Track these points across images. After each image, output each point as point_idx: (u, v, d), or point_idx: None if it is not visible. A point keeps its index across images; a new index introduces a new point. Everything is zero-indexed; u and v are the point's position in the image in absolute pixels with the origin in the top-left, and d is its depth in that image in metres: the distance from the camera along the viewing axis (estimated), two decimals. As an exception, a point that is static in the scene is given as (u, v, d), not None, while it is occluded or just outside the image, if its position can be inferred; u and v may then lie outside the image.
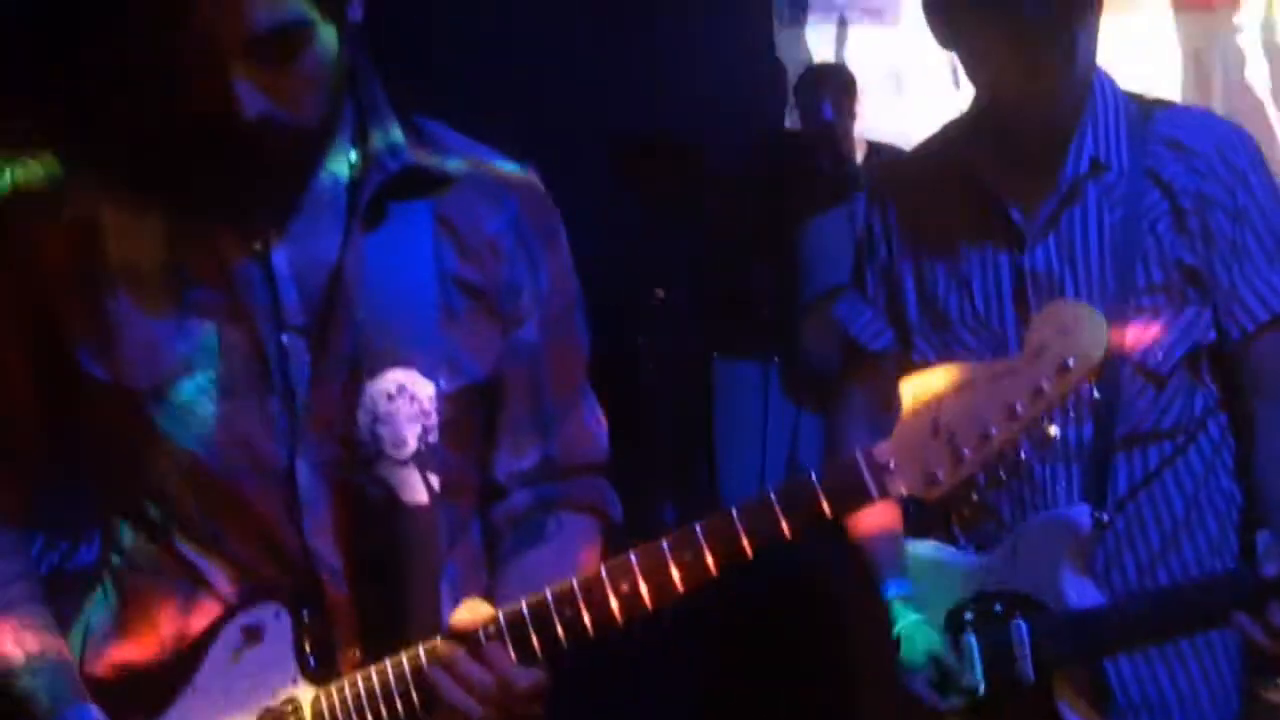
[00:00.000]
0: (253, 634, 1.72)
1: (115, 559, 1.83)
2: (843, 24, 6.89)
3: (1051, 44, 2.14)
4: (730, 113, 6.34)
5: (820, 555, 2.54)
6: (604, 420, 1.97)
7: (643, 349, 5.70)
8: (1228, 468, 2.34)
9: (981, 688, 2.24)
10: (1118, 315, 2.24)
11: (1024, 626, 2.22)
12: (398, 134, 1.78)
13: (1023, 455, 1.60)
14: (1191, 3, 6.63)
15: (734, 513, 1.62)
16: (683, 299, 5.82)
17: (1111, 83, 2.33)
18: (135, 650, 1.78)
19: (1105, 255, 2.27)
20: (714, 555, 1.62)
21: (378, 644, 1.73)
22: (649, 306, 5.84)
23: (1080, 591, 2.23)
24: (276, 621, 1.72)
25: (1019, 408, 1.59)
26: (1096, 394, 2.13)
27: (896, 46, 6.48)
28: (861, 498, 1.63)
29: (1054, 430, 1.64)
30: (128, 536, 1.80)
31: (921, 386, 1.62)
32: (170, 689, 1.73)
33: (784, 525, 1.61)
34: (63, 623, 1.83)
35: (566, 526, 1.89)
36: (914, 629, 2.30)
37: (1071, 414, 2.26)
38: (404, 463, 1.73)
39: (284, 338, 1.71)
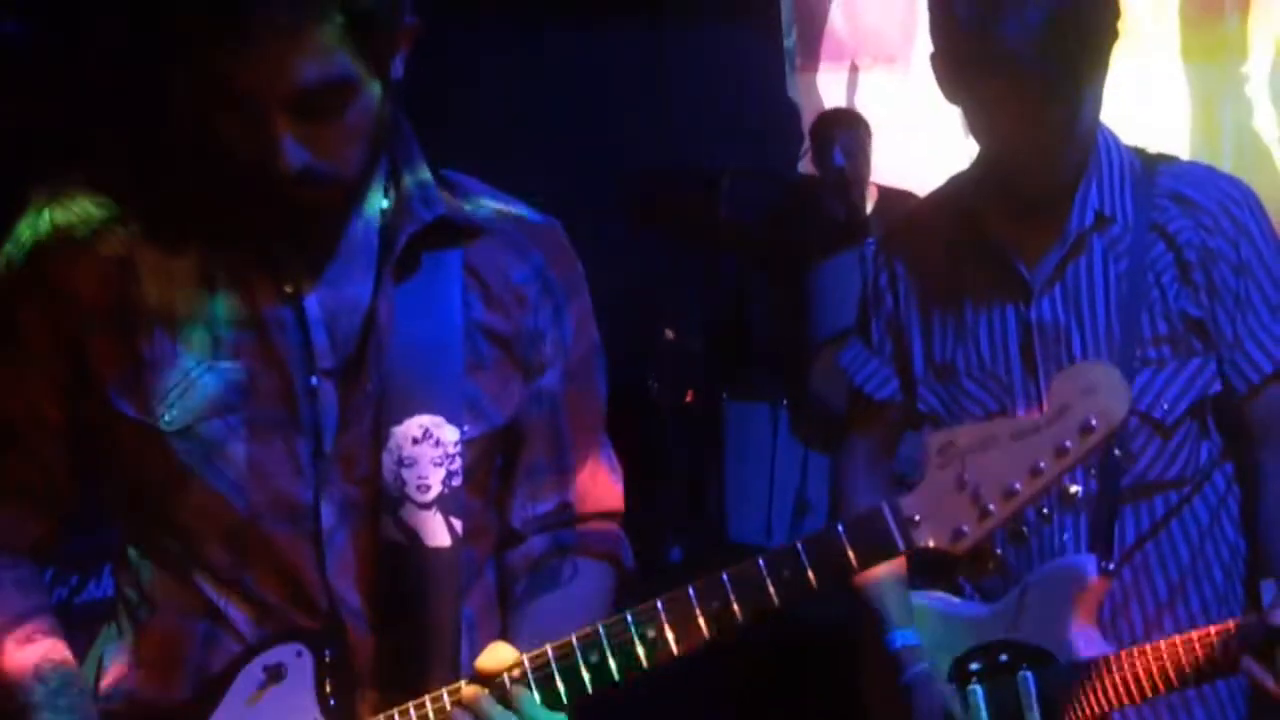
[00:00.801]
0: (275, 673, 1.73)
1: (131, 594, 1.85)
2: (854, 70, 6.94)
3: (1053, 104, 2.17)
4: (743, 157, 6.40)
5: (827, 605, 2.57)
6: (620, 469, 2.00)
7: (653, 389, 5.75)
8: (1233, 518, 2.37)
9: None
10: (1124, 366, 2.27)
11: (1030, 678, 2.24)
12: (431, 184, 1.83)
13: (1045, 510, 1.64)
14: (1200, 52, 6.68)
15: (761, 563, 1.66)
16: (694, 340, 5.87)
17: (1115, 138, 2.36)
18: (151, 687, 1.80)
19: (1111, 307, 2.30)
20: (740, 604, 1.66)
21: (397, 685, 1.75)
22: (660, 347, 5.90)
23: (1087, 641, 2.25)
24: (298, 661, 1.74)
25: (1043, 465, 1.64)
26: (1117, 450, 2.15)
27: (908, 93, 6.53)
28: (888, 550, 1.67)
29: (1075, 488, 1.68)
30: (146, 573, 1.82)
31: (947, 443, 1.66)
32: None
33: (811, 576, 1.65)
34: (72, 650, 1.86)
35: (582, 573, 1.92)
36: (921, 679, 2.32)
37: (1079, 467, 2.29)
38: (427, 506, 1.76)
39: (314, 380, 1.75)
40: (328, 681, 1.74)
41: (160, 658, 1.80)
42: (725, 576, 1.67)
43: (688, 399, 5.76)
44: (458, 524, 1.78)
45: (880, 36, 6.93)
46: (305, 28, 1.58)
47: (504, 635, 1.86)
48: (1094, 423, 1.64)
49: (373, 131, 1.71)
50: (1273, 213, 7.24)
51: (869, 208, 6.00)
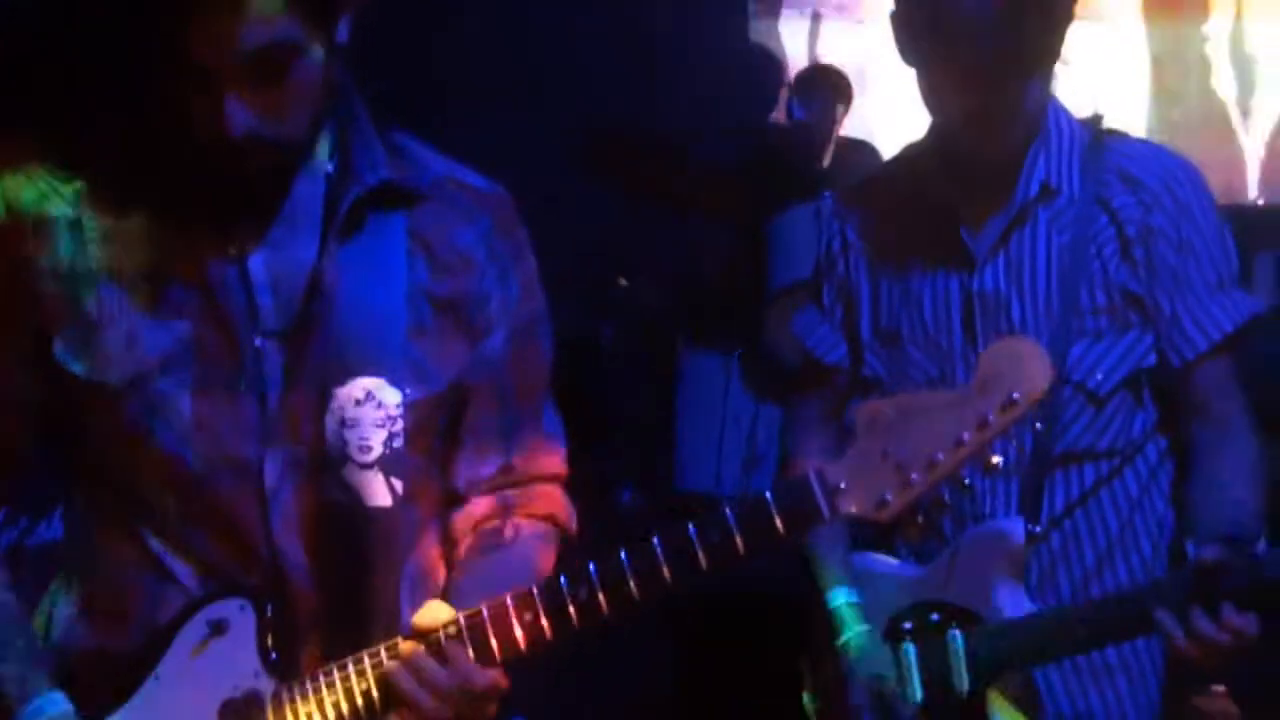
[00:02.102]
0: (218, 627, 1.77)
1: (80, 547, 1.88)
2: (816, 18, 6.95)
3: (1006, 75, 2.21)
4: (701, 104, 6.39)
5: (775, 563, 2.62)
6: (563, 431, 2.03)
7: (606, 337, 5.78)
8: (1163, 492, 2.42)
9: (919, 696, 2.32)
10: (1061, 336, 2.32)
11: (959, 636, 2.30)
12: (376, 148, 1.84)
13: (966, 480, 1.70)
14: (1160, 12, 6.71)
15: (690, 528, 1.71)
16: (649, 289, 5.89)
17: (1066, 111, 2.40)
18: (100, 640, 1.83)
19: (1051, 277, 2.34)
20: (670, 569, 1.70)
21: (338, 640, 1.79)
22: (614, 294, 5.92)
23: (1013, 602, 2.31)
24: (241, 615, 1.77)
25: (965, 436, 1.69)
26: (1039, 424, 2.20)
27: (862, 43, 6.55)
28: (814, 518, 1.72)
29: (997, 459, 1.73)
30: (93, 526, 1.85)
31: (875, 412, 1.71)
32: (134, 678, 1.78)
33: (739, 541, 1.70)
34: (22, 597, 1.88)
35: (524, 534, 1.96)
36: (859, 638, 2.38)
37: (1012, 429, 2.34)
38: (368, 466, 1.79)
39: (258, 341, 1.77)
40: (269, 635, 1.77)
41: (108, 610, 1.83)
42: (656, 540, 1.71)
43: (640, 346, 5.79)
44: (399, 484, 1.81)
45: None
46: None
47: (445, 594, 1.90)
48: (1016, 396, 1.69)
49: (317, 94, 1.72)
50: (1230, 172, 7.30)
51: (826, 161, 6.05)
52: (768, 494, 1.71)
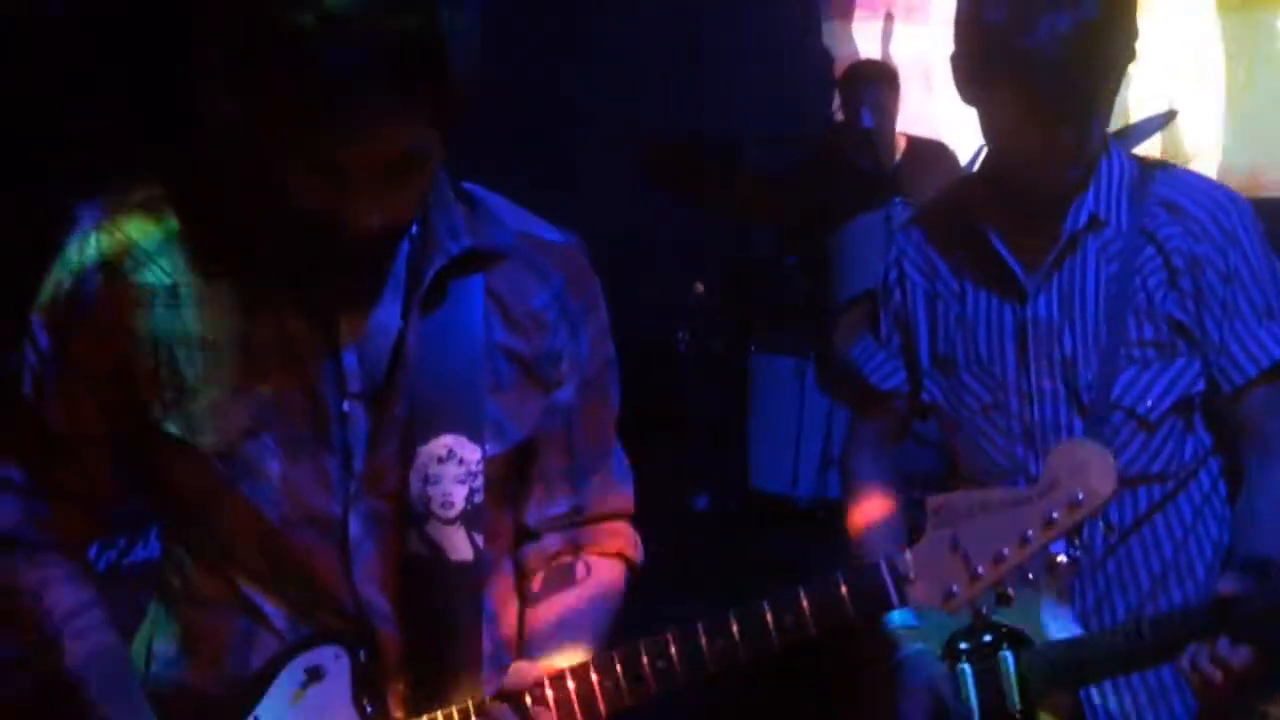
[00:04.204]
0: (314, 674, 1.84)
1: (176, 584, 1.95)
2: (889, 19, 6.98)
3: (1072, 114, 2.26)
4: (775, 107, 6.44)
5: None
6: (630, 470, 2.10)
7: (681, 342, 5.86)
8: (1218, 515, 2.47)
9: (977, 715, 2.39)
10: (1110, 362, 2.38)
11: (1010, 657, 2.36)
12: (455, 210, 1.90)
13: (1030, 576, 1.80)
14: (1234, 4, 6.67)
15: (765, 607, 1.79)
16: (723, 294, 5.96)
17: (1118, 148, 2.45)
18: (196, 679, 1.90)
19: (1100, 306, 2.39)
20: (744, 645, 1.79)
21: (423, 689, 1.87)
22: (689, 301, 6.00)
23: (1059, 623, 2.37)
24: (336, 664, 1.84)
25: (1030, 534, 1.78)
26: (1102, 527, 2.25)
27: (932, 43, 6.55)
28: (884, 605, 1.81)
29: (1061, 557, 1.82)
30: (188, 568, 1.92)
31: (945, 506, 1.80)
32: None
33: (810, 623, 1.79)
34: (120, 618, 1.97)
35: (595, 571, 2.03)
36: (912, 658, 2.45)
37: None
38: (450, 522, 1.86)
39: (345, 405, 1.83)
40: (363, 683, 1.84)
41: (204, 649, 1.90)
42: (731, 615, 1.79)
43: (717, 351, 5.86)
44: (479, 539, 1.87)
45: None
46: (403, 108, 1.63)
47: (521, 630, 1.99)
48: (1081, 498, 1.78)
49: (430, 186, 1.79)
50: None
51: (897, 159, 6.07)
52: (840, 578, 1.80)
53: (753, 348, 5.64)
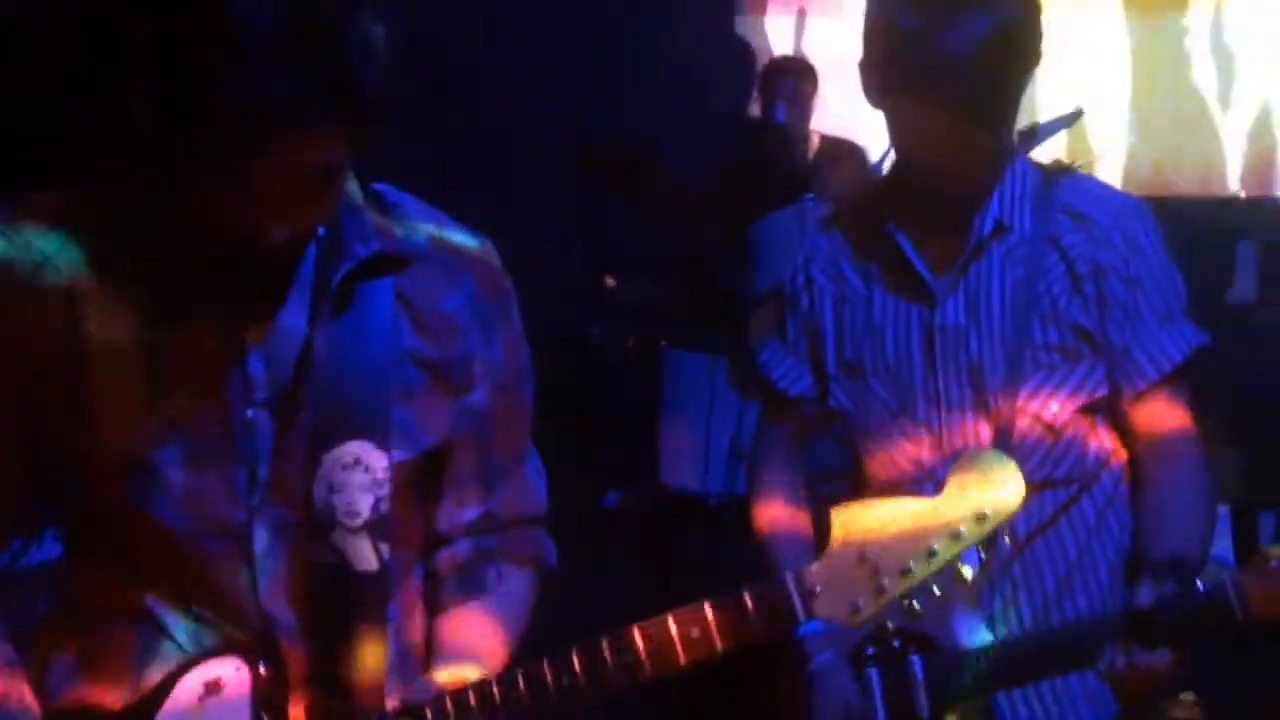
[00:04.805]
0: (213, 687, 1.80)
1: (75, 599, 1.91)
2: (801, 14, 7.00)
3: (981, 120, 2.29)
4: (689, 102, 6.44)
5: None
6: (543, 472, 2.08)
7: (594, 336, 5.84)
8: (1119, 517, 2.49)
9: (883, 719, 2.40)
10: (1016, 368, 2.40)
11: (917, 662, 2.36)
12: (366, 217, 1.87)
13: (937, 591, 1.80)
14: (1140, 4, 6.76)
15: (670, 621, 1.77)
16: (636, 289, 5.95)
17: (1022, 156, 2.47)
18: (93, 691, 1.86)
19: (1006, 311, 2.41)
20: (650, 660, 1.77)
21: (324, 692, 1.83)
22: (602, 294, 5.98)
23: (968, 629, 2.39)
24: (236, 675, 1.81)
25: (937, 548, 1.77)
26: (1006, 539, 2.28)
27: (847, 39, 6.57)
28: (790, 619, 1.79)
29: (969, 570, 1.82)
30: (88, 581, 1.89)
31: (851, 518, 1.78)
32: None
33: (716, 640, 1.78)
34: (15, 621, 1.93)
35: (506, 579, 2.01)
36: (825, 667, 2.46)
37: None
38: (356, 531, 1.83)
39: (250, 413, 1.80)
40: (263, 696, 1.81)
41: (103, 662, 1.86)
42: (635, 631, 1.77)
43: (628, 345, 5.85)
44: (385, 548, 1.85)
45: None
46: (317, 127, 1.62)
47: (430, 638, 1.97)
48: (988, 512, 1.77)
49: (342, 192, 1.78)
50: (1209, 164, 7.35)
51: (811, 155, 6.10)
52: (746, 594, 1.78)
53: (664, 343, 5.64)
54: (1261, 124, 6.60)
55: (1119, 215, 2.41)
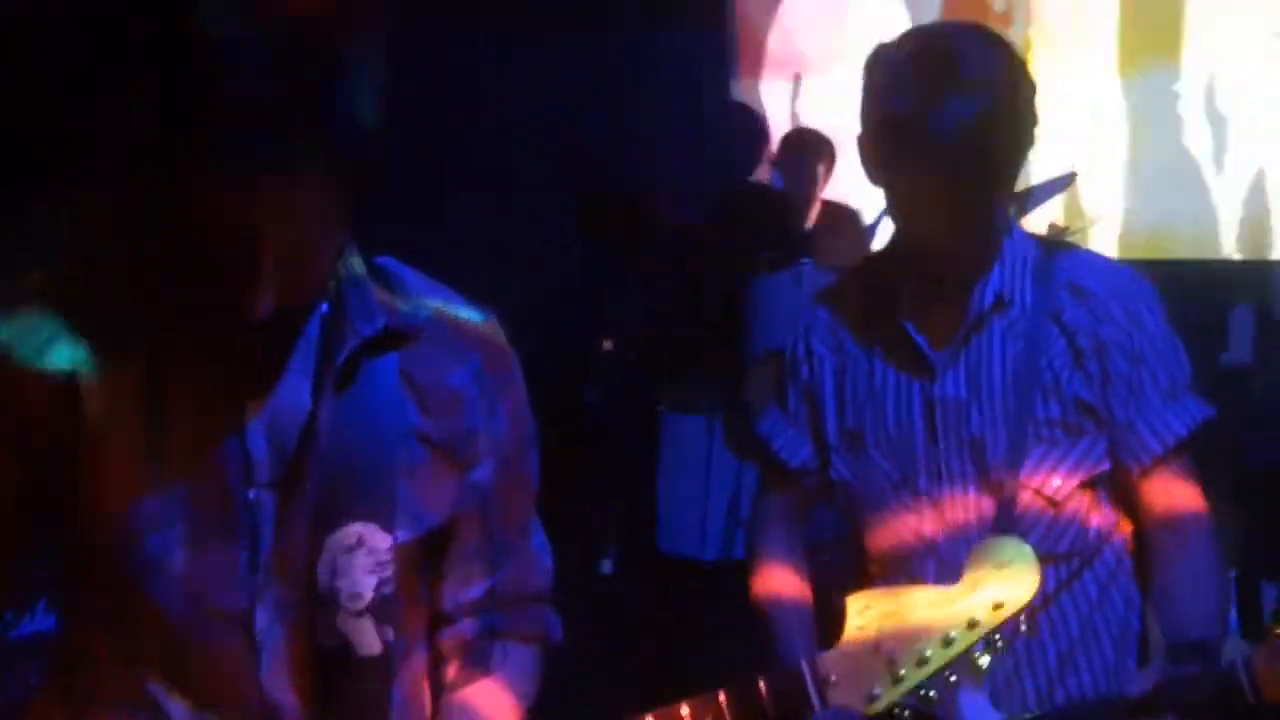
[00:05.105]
0: None
1: (74, 676, 1.87)
2: (797, 79, 7.04)
3: (977, 196, 2.30)
4: (682, 165, 6.47)
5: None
6: (549, 546, 2.05)
7: (589, 400, 5.84)
8: (1122, 591, 2.47)
9: None
10: (1018, 442, 2.38)
11: None
12: (370, 291, 1.84)
13: (953, 679, 1.80)
14: (1134, 69, 6.80)
15: (684, 709, 1.78)
16: (632, 351, 5.96)
17: (1020, 228, 2.47)
18: None
19: (1008, 385, 2.40)
20: None
21: None
22: (597, 357, 5.98)
23: (975, 708, 2.36)
24: None
25: (954, 635, 1.78)
26: (1024, 626, 2.25)
27: (841, 105, 6.61)
28: (805, 708, 1.80)
29: (984, 660, 1.82)
30: (87, 662, 1.85)
31: (866, 606, 1.79)
32: None
33: None
34: (6, 693, 1.90)
35: (512, 657, 1.98)
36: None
37: (974, 533, 2.41)
38: (359, 614, 1.79)
39: (252, 494, 1.77)
40: None
41: None
42: (650, 717, 1.79)
43: (623, 409, 5.85)
44: (389, 631, 1.81)
45: (814, 49, 7.02)
46: (303, 193, 1.61)
47: (433, 716, 1.94)
48: (1003, 599, 1.78)
49: (336, 268, 1.76)
50: (1203, 228, 7.37)
51: (811, 222, 6.12)
52: (761, 682, 1.79)
53: (661, 406, 5.63)
54: (1256, 188, 6.63)
55: (1121, 290, 2.41)
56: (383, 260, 1.92)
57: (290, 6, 1.58)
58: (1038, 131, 2.34)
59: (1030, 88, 2.33)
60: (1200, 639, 2.27)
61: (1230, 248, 6.68)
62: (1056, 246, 2.49)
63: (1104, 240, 6.57)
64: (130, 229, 1.71)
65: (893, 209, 2.39)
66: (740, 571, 5.02)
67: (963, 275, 2.41)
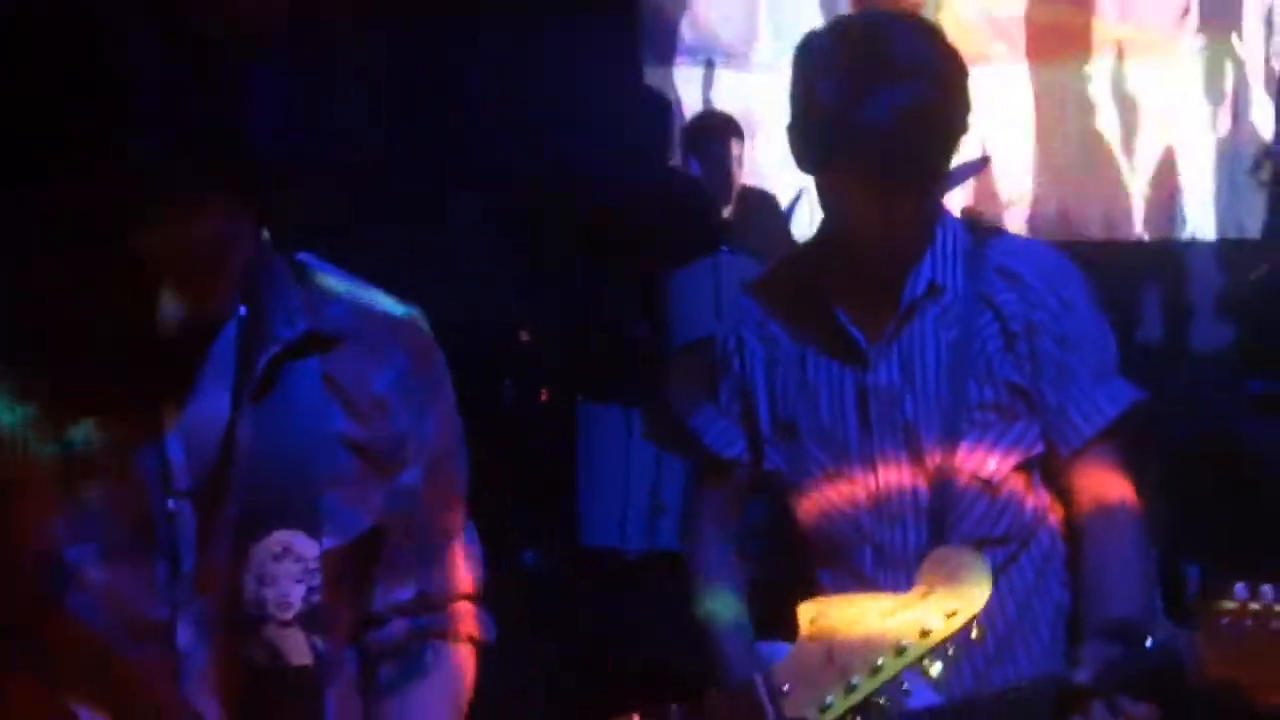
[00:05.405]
0: None
1: None
2: (710, 66, 7.02)
3: (908, 188, 2.28)
4: (593, 154, 6.43)
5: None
6: (479, 544, 2.01)
7: (507, 391, 5.80)
8: (1058, 574, 2.48)
9: None
10: (952, 427, 2.38)
11: None
12: (287, 288, 1.79)
13: (905, 686, 1.80)
14: (1043, 54, 6.85)
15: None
16: (549, 343, 5.92)
17: (951, 215, 2.46)
18: None
19: (941, 371, 2.40)
20: None
21: None
22: (515, 349, 5.94)
23: (916, 691, 2.35)
24: None
25: (906, 644, 1.80)
26: (974, 632, 2.25)
27: (753, 90, 6.61)
28: (759, 719, 1.80)
29: (936, 667, 1.82)
30: (6, 681, 1.78)
31: (819, 615, 1.80)
32: None
33: None
34: None
35: (444, 658, 1.94)
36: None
37: (910, 519, 2.40)
38: (288, 624, 1.75)
39: (170, 503, 1.72)
40: None
41: None
42: None
43: (542, 400, 5.81)
44: (319, 640, 1.77)
45: (726, 36, 7.02)
46: (205, 194, 1.55)
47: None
48: (955, 608, 1.80)
49: (246, 266, 1.70)
50: (1113, 210, 7.46)
51: (726, 209, 6.11)
52: (713, 695, 1.82)
53: (579, 397, 5.60)
54: (1164, 168, 6.71)
55: (1051, 274, 2.41)
56: (302, 257, 1.86)
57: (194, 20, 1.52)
58: (970, 119, 2.33)
59: (962, 74, 2.32)
60: (1128, 618, 2.27)
61: (1140, 228, 6.76)
62: (986, 232, 2.49)
63: (1015, 223, 6.62)
64: (30, 239, 1.63)
65: (824, 199, 2.37)
66: (662, 562, 5.01)
67: (895, 264, 2.39)
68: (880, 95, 2.19)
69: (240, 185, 1.57)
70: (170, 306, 1.60)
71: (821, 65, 2.28)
